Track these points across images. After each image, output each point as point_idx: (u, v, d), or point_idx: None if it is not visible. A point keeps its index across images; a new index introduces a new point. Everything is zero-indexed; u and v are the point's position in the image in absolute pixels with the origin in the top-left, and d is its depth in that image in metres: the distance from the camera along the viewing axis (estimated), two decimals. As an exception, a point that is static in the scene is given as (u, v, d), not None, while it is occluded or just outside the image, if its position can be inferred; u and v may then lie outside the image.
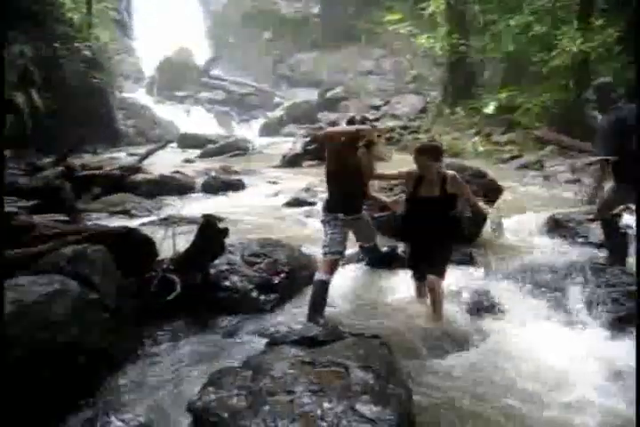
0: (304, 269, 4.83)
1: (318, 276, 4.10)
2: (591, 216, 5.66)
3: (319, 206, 7.47)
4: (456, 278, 4.62)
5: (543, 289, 4.45)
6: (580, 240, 5.87)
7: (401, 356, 3.41)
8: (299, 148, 13.74)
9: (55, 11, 15.42)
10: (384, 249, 5.09)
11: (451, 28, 16.96)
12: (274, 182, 10.75)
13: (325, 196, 4.55)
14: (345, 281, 4.72)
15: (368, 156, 4.07)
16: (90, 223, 6.34)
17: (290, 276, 4.58)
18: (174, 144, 17.43)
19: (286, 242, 5.22)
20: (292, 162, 13.36)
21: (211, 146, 16.58)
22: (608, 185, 4.94)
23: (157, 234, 4.69)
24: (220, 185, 10.01)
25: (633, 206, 5.01)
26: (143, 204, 8.39)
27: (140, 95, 24.72)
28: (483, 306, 4.33)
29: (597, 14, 13.45)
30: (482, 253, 5.47)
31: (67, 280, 3.19)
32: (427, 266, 4.09)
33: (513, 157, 12.77)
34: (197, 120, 23.58)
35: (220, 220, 5.89)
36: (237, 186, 10.19)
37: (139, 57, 28.72)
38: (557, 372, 3.40)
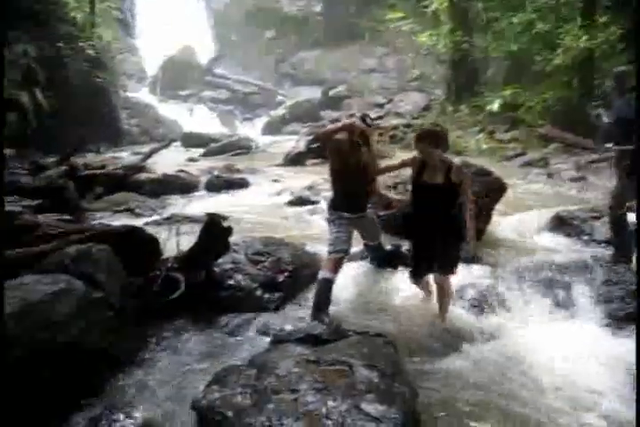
0: (308, 267, 4.82)
1: (322, 274, 4.10)
2: (596, 214, 5.64)
3: (322, 205, 7.50)
4: (460, 276, 4.60)
5: (547, 287, 4.44)
6: (585, 238, 5.86)
7: (405, 354, 3.41)
8: (302, 146, 13.72)
9: (58, 10, 15.42)
10: (388, 247, 5.08)
11: (454, 26, 16.90)
12: (277, 181, 10.74)
13: (329, 194, 4.55)
14: (349, 279, 4.71)
15: (370, 153, 4.06)
16: (94, 222, 6.35)
17: (294, 274, 4.58)
18: (177, 143, 17.42)
19: (290, 241, 5.23)
20: (295, 160, 13.35)
21: (214, 145, 16.57)
22: (617, 181, 4.95)
23: (161, 233, 4.70)
24: (224, 184, 10.01)
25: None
26: (147, 203, 8.40)
27: (143, 94, 24.70)
28: (487, 304, 4.32)
29: (601, 11, 13.39)
30: (486, 251, 5.45)
31: (72, 279, 3.19)
32: (435, 264, 4.03)
33: (517, 155, 12.72)
34: (201, 119, 23.56)
35: (224, 218, 5.89)
36: (241, 185, 10.19)
37: (142, 56, 28.71)
38: (561, 370, 3.40)
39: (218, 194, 9.61)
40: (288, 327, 3.65)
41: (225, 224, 4.32)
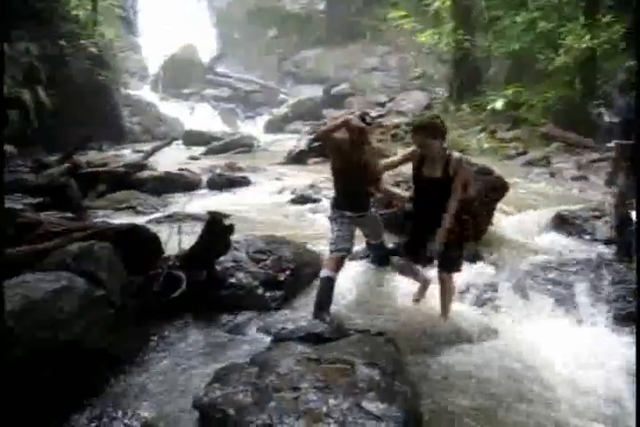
0: (309, 266, 4.83)
1: (324, 273, 4.09)
2: (598, 213, 5.65)
3: (324, 203, 7.50)
4: (462, 275, 4.60)
5: (549, 286, 4.44)
6: (587, 237, 5.86)
7: (407, 353, 3.41)
8: (303, 145, 13.71)
9: (60, 8, 15.42)
10: (390, 246, 5.08)
11: (456, 25, 16.87)
12: (279, 179, 10.73)
13: (331, 193, 4.55)
14: (351, 278, 4.71)
15: (370, 151, 4.06)
16: (96, 220, 6.36)
17: (295, 273, 4.58)
18: (179, 141, 17.43)
19: (291, 239, 5.22)
20: (296, 159, 13.34)
21: (216, 143, 16.56)
22: (621, 179, 4.96)
23: (163, 231, 4.70)
24: (226, 182, 10.01)
25: None
26: (149, 201, 8.40)
27: (145, 92, 24.67)
28: (489, 303, 4.33)
29: (604, 10, 13.36)
30: (488, 249, 5.45)
31: (74, 277, 3.19)
32: (429, 259, 3.96)
33: (518, 154, 12.71)
34: (202, 117, 23.55)
35: (226, 216, 5.89)
36: (243, 183, 10.19)
37: (144, 54, 28.70)
38: (563, 370, 3.40)
39: (219, 192, 9.60)
40: (289, 326, 3.64)
41: (226, 222, 4.32)
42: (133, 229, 4.20)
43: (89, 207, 7.65)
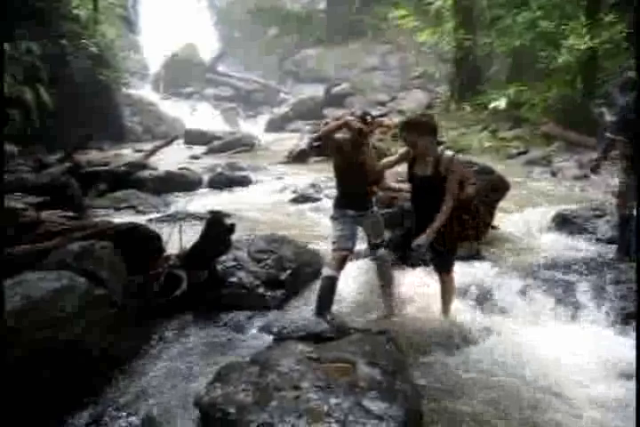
0: (310, 265, 4.83)
1: (326, 272, 4.09)
2: (599, 212, 5.65)
3: (325, 202, 7.50)
4: (463, 274, 4.60)
5: (550, 285, 4.43)
6: (588, 236, 5.85)
7: (408, 352, 3.41)
8: (304, 144, 13.73)
9: (62, 8, 15.41)
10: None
11: (457, 24, 16.85)
12: (280, 178, 10.74)
13: (332, 192, 4.54)
14: (352, 277, 4.70)
15: (369, 150, 4.05)
16: (96, 220, 6.36)
17: (296, 272, 4.58)
18: (180, 140, 17.44)
19: (292, 238, 5.22)
20: (297, 158, 13.35)
21: (217, 142, 16.56)
22: (621, 178, 4.96)
23: (164, 230, 4.70)
24: (227, 181, 10.02)
25: None
26: (150, 200, 8.41)
27: (146, 92, 24.71)
28: (490, 302, 4.32)
29: (606, 10, 13.33)
30: (489, 249, 5.44)
31: (75, 276, 3.19)
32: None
33: (520, 153, 12.69)
34: (203, 116, 23.57)
35: (227, 216, 5.89)
36: (244, 182, 10.20)
37: (145, 54, 28.71)
38: (563, 369, 3.39)
39: (220, 191, 9.61)
40: (290, 325, 3.64)
41: (227, 222, 4.32)
42: (134, 228, 4.20)
43: (90, 206, 7.66)
